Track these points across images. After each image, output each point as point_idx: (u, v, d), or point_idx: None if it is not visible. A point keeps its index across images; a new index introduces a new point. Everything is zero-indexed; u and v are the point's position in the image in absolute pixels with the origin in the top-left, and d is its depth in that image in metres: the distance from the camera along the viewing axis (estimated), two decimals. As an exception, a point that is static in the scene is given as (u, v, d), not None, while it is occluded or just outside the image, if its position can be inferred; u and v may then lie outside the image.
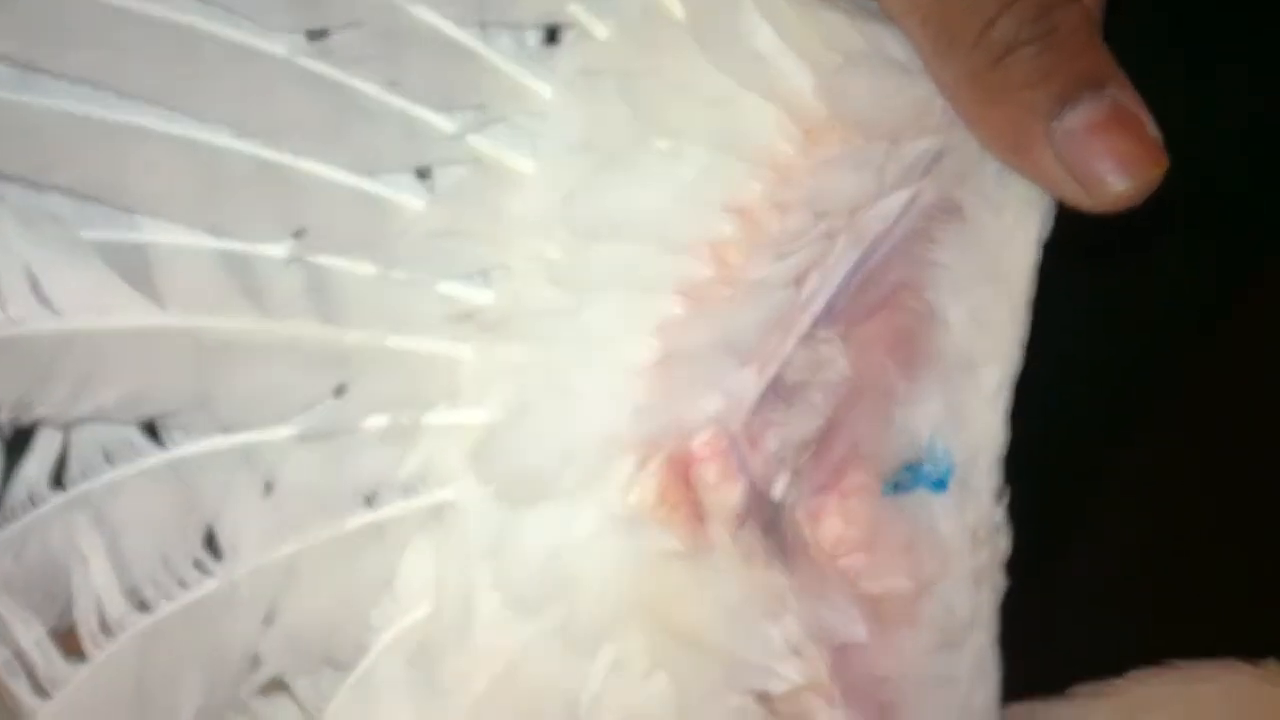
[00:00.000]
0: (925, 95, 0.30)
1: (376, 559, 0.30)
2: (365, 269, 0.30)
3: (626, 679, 0.29)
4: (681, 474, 0.30)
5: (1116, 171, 0.28)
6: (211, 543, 0.30)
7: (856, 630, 0.29)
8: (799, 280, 0.30)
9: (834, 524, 0.30)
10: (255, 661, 0.30)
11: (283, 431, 0.30)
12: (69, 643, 0.29)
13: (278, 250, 0.30)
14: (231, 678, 0.30)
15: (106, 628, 0.29)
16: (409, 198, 0.30)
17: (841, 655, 0.29)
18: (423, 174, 0.31)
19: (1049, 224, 0.30)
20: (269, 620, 0.30)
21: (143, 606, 0.29)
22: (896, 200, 0.30)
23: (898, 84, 0.29)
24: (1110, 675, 0.32)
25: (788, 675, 0.29)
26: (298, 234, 0.30)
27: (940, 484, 0.30)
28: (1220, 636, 0.31)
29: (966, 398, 0.29)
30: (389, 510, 0.30)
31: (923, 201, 0.30)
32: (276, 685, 0.30)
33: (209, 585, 0.29)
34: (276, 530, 0.30)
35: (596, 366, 0.30)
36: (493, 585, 0.30)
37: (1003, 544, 0.29)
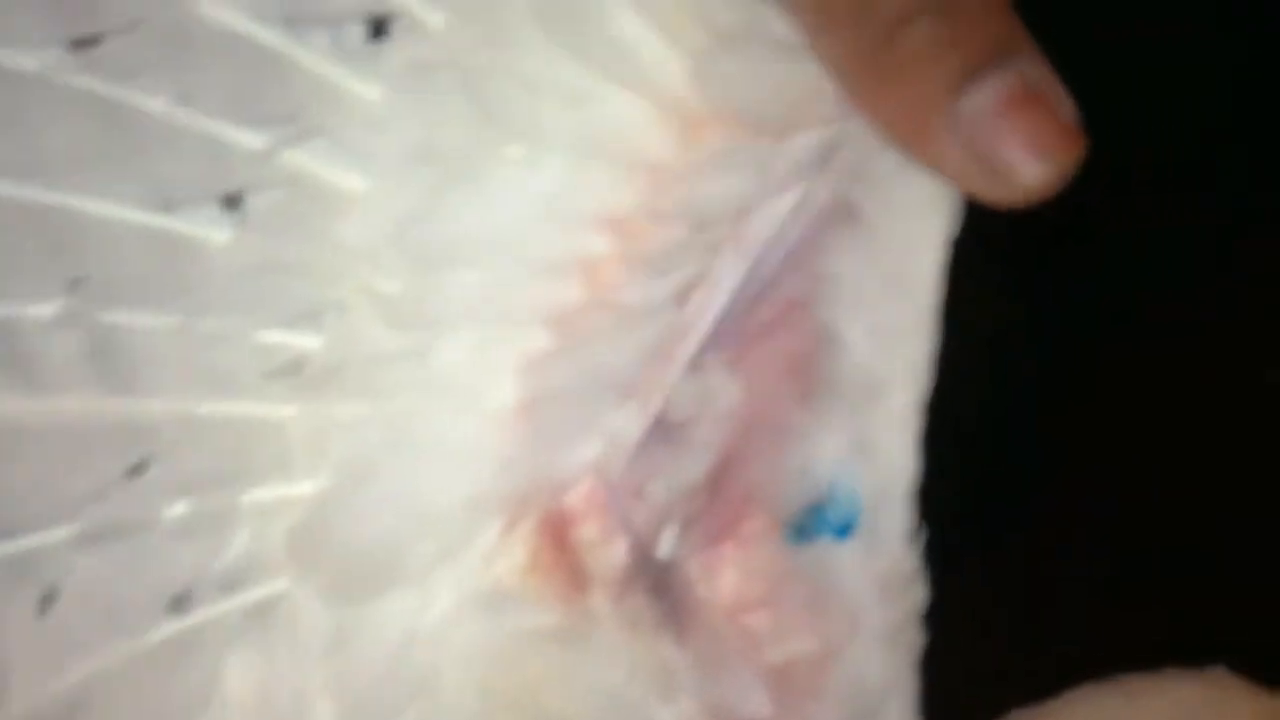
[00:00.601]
0: (813, 80, 0.26)
1: (190, 673, 0.25)
2: (162, 321, 0.26)
3: None
4: (557, 535, 0.26)
5: (1028, 157, 0.24)
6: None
7: (760, 706, 0.25)
8: (681, 300, 0.26)
9: (732, 578, 0.26)
10: None
11: (65, 530, 0.25)
12: None
13: (46, 309, 0.25)
14: None
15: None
16: (213, 231, 0.26)
17: None
18: (231, 202, 0.26)
19: (957, 221, 0.26)
20: None
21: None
22: (785, 203, 0.26)
23: (781, 68, 0.25)
24: (1047, 687, 0.28)
25: None
26: (73, 287, 0.25)
27: (845, 529, 0.26)
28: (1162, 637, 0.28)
29: (872, 427, 0.26)
30: (204, 612, 0.26)
31: (815, 203, 0.26)
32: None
33: None
34: (56, 655, 0.25)
35: (450, 417, 0.26)
36: (332, 695, 0.25)
37: (918, 594, 0.25)
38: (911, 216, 0.26)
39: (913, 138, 0.25)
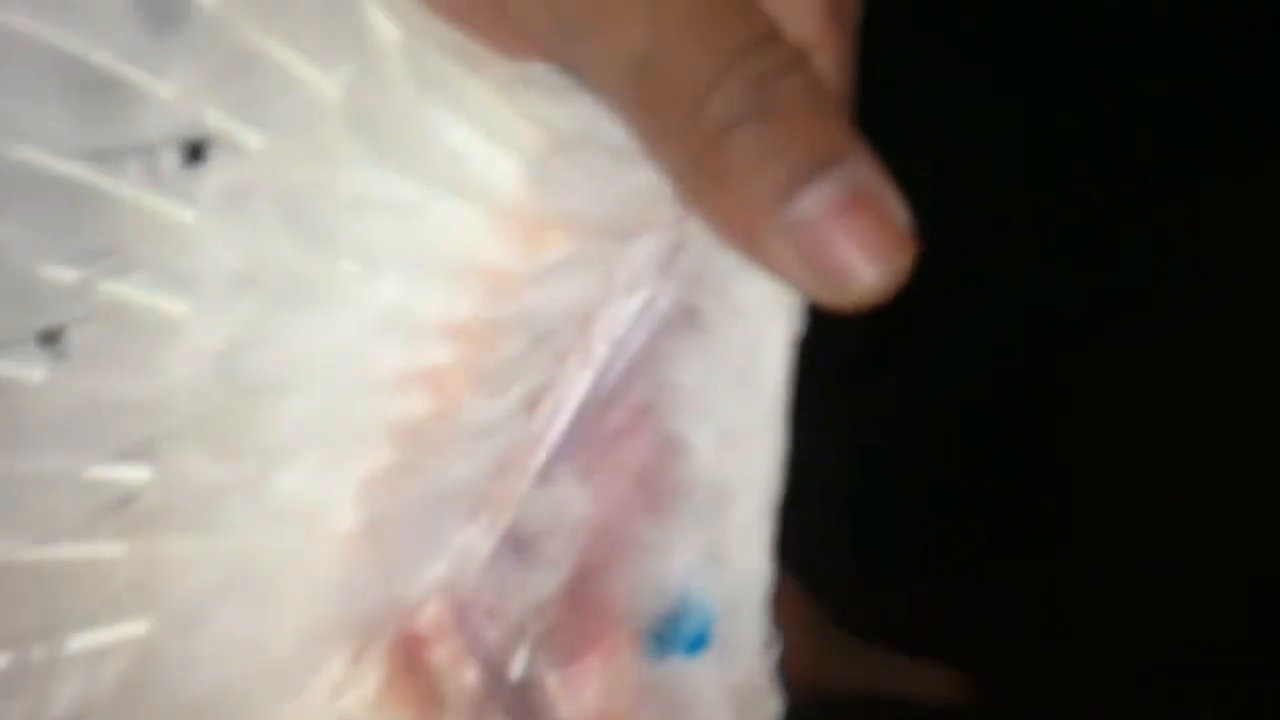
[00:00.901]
0: (651, 183, 0.25)
1: None
2: None
3: None
4: (408, 659, 0.25)
5: (860, 262, 0.23)
6: None
7: None
8: (528, 410, 0.26)
9: (594, 693, 0.26)
10: None
11: None
12: None
13: None
14: None
15: None
16: (29, 369, 0.25)
17: None
18: (49, 339, 0.25)
19: (801, 319, 0.26)
20: None
21: None
22: (629, 308, 0.26)
23: (619, 171, 0.25)
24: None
25: None
26: None
27: (698, 642, 0.25)
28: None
29: (723, 534, 0.25)
30: None
31: (659, 308, 0.26)
32: None
33: None
34: None
35: (287, 548, 0.25)
36: None
37: (772, 707, 0.25)
38: (754, 318, 0.25)
39: (746, 242, 0.24)
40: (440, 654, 0.25)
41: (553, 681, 0.26)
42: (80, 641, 0.25)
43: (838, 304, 0.24)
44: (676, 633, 0.25)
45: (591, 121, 0.25)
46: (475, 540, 0.25)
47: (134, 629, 0.25)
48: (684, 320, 0.26)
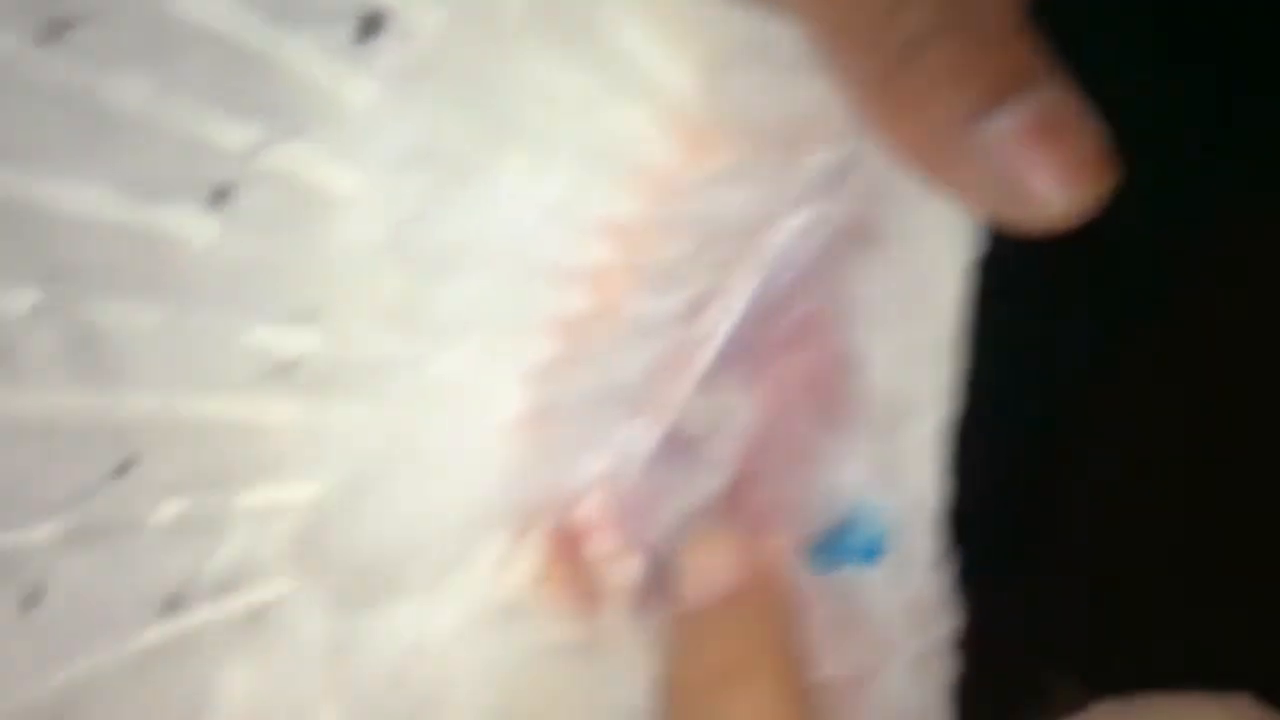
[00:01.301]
0: (824, 97, 0.24)
1: (183, 678, 0.25)
2: (145, 317, 0.25)
3: None
4: (568, 547, 0.26)
5: (1052, 186, 0.22)
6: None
7: None
8: (693, 314, 0.25)
9: None
10: None
11: (47, 529, 0.25)
12: None
13: (22, 299, 0.24)
14: None
15: None
16: (197, 228, 0.25)
17: None
18: (217, 199, 0.25)
19: (980, 241, 0.25)
20: None
21: None
22: (798, 220, 0.25)
23: (791, 84, 0.24)
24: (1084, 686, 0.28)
25: None
26: (49, 279, 0.25)
27: (870, 553, 0.25)
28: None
29: (897, 451, 0.25)
30: (197, 616, 0.25)
31: (830, 222, 0.25)
32: None
33: None
34: (40, 656, 0.25)
35: (453, 426, 0.25)
36: (334, 703, 0.26)
37: (948, 622, 0.25)
38: (932, 239, 0.24)
39: (931, 163, 0.23)
40: (599, 546, 0.26)
41: (709, 579, 0.26)
42: (247, 497, 0.25)
43: (1025, 228, 0.22)
44: (846, 544, 0.25)
45: (768, 32, 0.24)
46: (637, 437, 0.25)
47: (301, 490, 0.25)
48: (858, 235, 0.25)
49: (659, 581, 0.26)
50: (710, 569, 0.25)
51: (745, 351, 0.25)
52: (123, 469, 0.25)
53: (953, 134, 0.22)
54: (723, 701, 0.24)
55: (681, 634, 0.25)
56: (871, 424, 0.25)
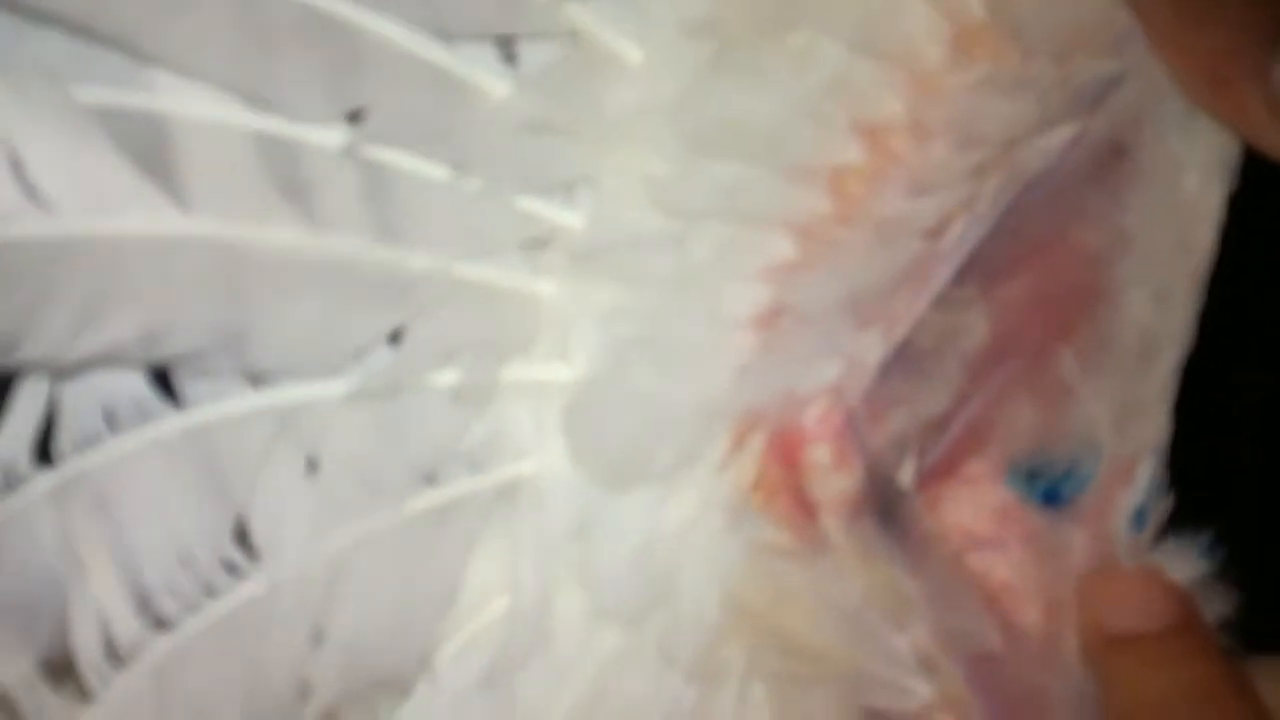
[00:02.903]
0: (1104, 7, 0.24)
1: (444, 546, 0.25)
2: (434, 172, 0.24)
3: (729, 695, 0.25)
4: (786, 453, 0.25)
5: None
6: (244, 536, 0.24)
7: (991, 639, 0.25)
8: (940, 225, 0.25)
9: (957, 513, 0.26)
10: (304, 690, 0.24)
11: (332, 387, 0.24)
12: (66, 676, 0.23)
13: (330, 137, 0.23)
14: (275, 714, 0.24)
15: (115, 655, 0.23)
16: (493, 81, 0.24)
17: (978, 667, 0.25)
18: (508, 46, 0.24)
19: (1237, 179, 0.25)
20: (318, 636, 0.24)
21: (160, 625, 0.23)
22: (1060, 136, 0.25)
23: None
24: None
25: (918, 690, 0.25)
26: (354, 116, 0.24)
27: (1056, 497, 0.25)
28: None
29: (1138, 393, 0.25)
30: (453, 489, 0.25)
31: (1090, 141, 0.25)
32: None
33: (243, 593, 0.23)
34: (324, 518, 0.24)
35: (696, 315, 0.25)
36: (578, 582, 0.25)
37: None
38: (1195, 175, 0.25)
39: (1214, 87, 0.24)
40: (820, 453, 0.25)
41: (919, 495, 0.26)
42: (513, 371, 0.24)
43: None
44: (1051, 480, 0.25)
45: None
46: (868, 348, 0.25)
47: (556, 370, 0.25)
48: (1119, 160, 0.25)
49: (875, 495, 0.26)
50: (1147, 598, 0.25)
51: (986, 268, 0.26)
52: (401, 330, 0.24)
53: (1240, 59, 0.23)
54: (1200, 715, 0.24)
55: (1128, 658, 0.24)
56: (1121, 362, 0.25)
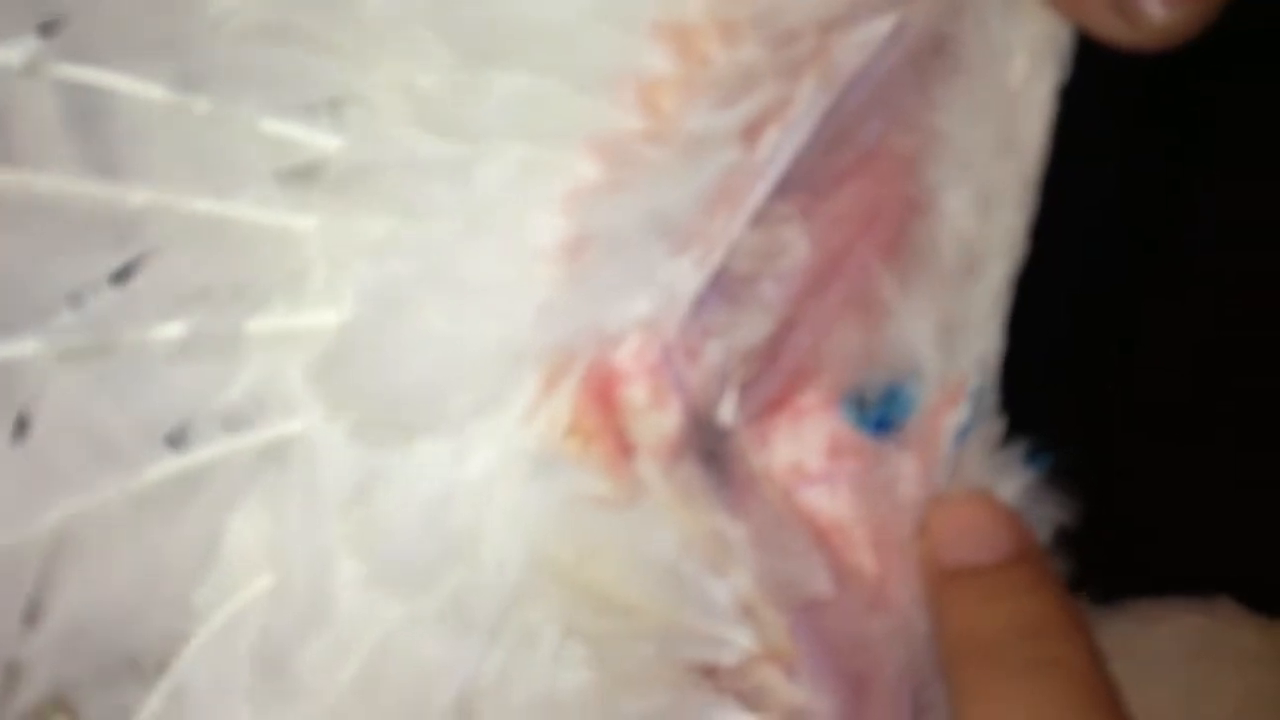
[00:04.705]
0: None
1: (193, 518, 0.22)
2: (152, 91, 0.21)
3: (537, 657, 0.23)
4: (601, 395, 0.23)
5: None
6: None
7: (821, 584, 0.23)
8: (751, 135, 0.23)
9: (788, 450, 0.24)
10: (12, 674, 0.22)
11: (37, 341, 0.21)
12: None
13: (14, 53, 0.21)
14: None
15: None
16: None
17: (804, 616, 0.24)
18: None
19: (1067, 67, 0.23)
20: (32, 615, 0.22)
21: None
22: (877, 28, 0.23)
23: None
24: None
25: (738, 642, 0.23)
26: (46, 28, 0.21)
27: (885, 425, 0.24)
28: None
29: (964, 306, 0.23)
30: (207, 451, 0.22)
31: (910, 34, 0.23)
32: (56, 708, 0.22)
33: None
34: (34, 488, 0.21)
35: (489, 247, 0.22)
36: (355, 552, 0.23)
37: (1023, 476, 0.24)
38: (1019, 65, 0.23)
39: None
40: (638, 391, 0.23)
41: (748, 433, 0.24)
42: (263, 320, 0.22)
43: (1129, 44, 0.22)
44: (878, 406, 0.24)
45: None
46: (683, 275, 0.23)
47: (323, 314, 0.22)
48: (938, 55, 0.23)
49: (696, 434, 0.24)
50: (981, 529, 0.23)
51: (806, 181, 0.23)
52: (123, 274, 0.21)
53: None
54: (1035, 655, 0.22)
55: (963, 592, 0.23)
56: (940, 276, 0.23)
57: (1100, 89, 0.24)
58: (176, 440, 0.22)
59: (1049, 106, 0.23)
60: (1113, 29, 0.22)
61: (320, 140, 0.22)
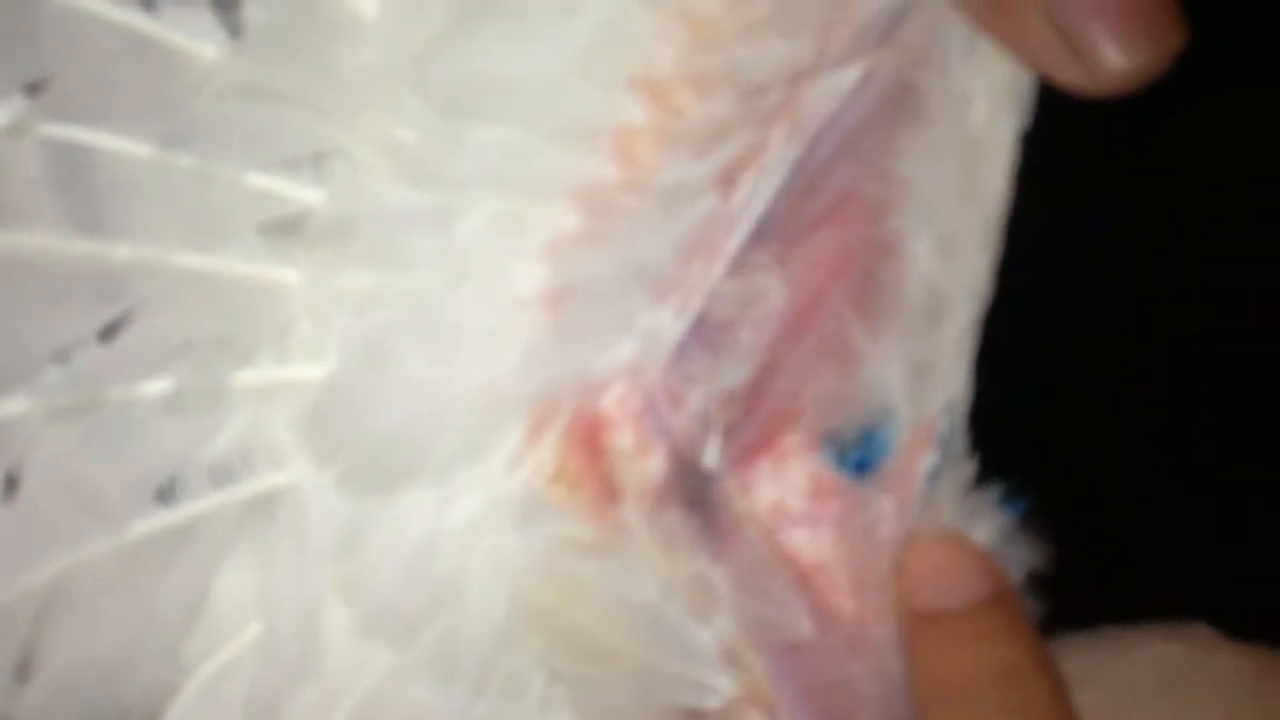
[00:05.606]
0: None
1: (181, 571, 0.22)
2: (137, 148, 0.21)
3: (524, 703, 0.23)
4: (587, 441, 0.24)
5: (1119, 42, 0.22)
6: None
7: (801, 627, 0.24)
8: (726, 184, 0.24)
9: (770, 491, 0.25)
10: None
11: (27, 401, 0.22)
12: None
13: (1, 113, 0.21)
14: None
15: None
16: (201, 41, 0.21)
17: (785, 658, 0.24)
18: (226, 5, 0.22)
19: (1028, 113, 0.24)
20: (23, 672, 0.22)
21: None
22: (845, 79, 0.24)
23: None
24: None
25: (720, 687, 0.23)
26: (32, 88, 0.21)
27: (864, 466, 0.24)
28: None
29: (933, 350, 0.24)
30: (195, 505, 0.22)
31: (877, 84, 0.24)
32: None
33: None
34: (25, 545, 0.21)
35: (471, 298, 0.23)
36: (344, 600, 0.23)
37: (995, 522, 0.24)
38: (980, 108, 0.24)
39: (993, 9, 0.22)
40: (623, 438, 0.24)
41: (731, 477, 0.24)
42: (249, 373, 0.22)
43: (1083, 89, 0.22)
44: (856, 448, 0.24)
45: None
46: (664, 323, 0.24)
47: (309, 367, 0.22)
48: (904, 103, 0.24)
49: (681, 479, 0.24)
50: (954, 572, 0.23)
51: (780, 229, 0.24)
52: (110, 331, 0.21)
53: None
54: (1006, 699, 0.23)
55: (936, 636, 0.23)
56: (910, 320, 0.24)
57: (1061, 133, 0.24)
58: (165, 495, 0.22)
59: (1011, 151, 0.24)
60: (1071, 76, 0.22)
61: (303, 194, 0.22)
